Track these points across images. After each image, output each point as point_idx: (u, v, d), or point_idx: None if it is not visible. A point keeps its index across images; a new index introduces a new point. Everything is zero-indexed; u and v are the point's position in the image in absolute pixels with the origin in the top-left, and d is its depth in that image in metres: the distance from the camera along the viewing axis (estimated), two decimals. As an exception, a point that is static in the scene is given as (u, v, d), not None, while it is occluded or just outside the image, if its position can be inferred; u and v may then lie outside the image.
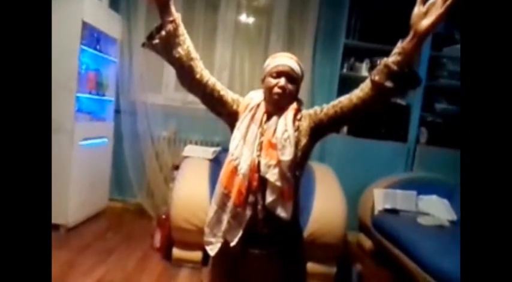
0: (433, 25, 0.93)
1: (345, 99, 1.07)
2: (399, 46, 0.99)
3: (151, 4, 1.01)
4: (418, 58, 3.02)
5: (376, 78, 1.00)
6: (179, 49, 1.03)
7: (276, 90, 1.08)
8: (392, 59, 0.98)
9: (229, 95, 1.13)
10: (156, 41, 1.01)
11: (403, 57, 0.97)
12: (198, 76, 1.07)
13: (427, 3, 0.95)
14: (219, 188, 1.11)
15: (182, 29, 1.03)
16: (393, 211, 2.64)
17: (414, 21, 0.95)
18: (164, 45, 1.02)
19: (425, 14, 0.94)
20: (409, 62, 0.98)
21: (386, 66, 0.98)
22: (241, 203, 1.06)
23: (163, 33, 1.01)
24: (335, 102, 1.09)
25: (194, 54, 1.07)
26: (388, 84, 0.98)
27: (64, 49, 2.45)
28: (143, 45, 1.05)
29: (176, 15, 1.02)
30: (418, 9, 0.95)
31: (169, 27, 1.00)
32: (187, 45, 1.04)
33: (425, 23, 0.94)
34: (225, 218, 1.08)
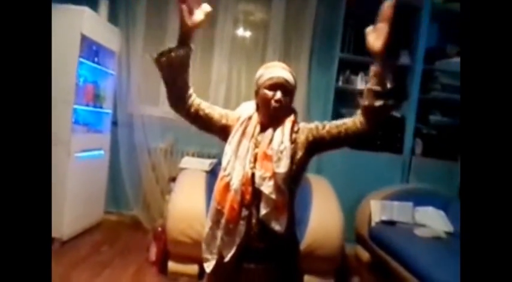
0: (385, 45, 1.02)
1: (349, 122, 1.10)
2: (372, 69, 1.06)
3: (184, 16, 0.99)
4: (409, 71, 3.09)
5: (366, 103, 1.06)
6: (179, 76, 1.07)
7: (274, 104, 1.09)
8: (372, 82, 1.06)
9: (215, 112, 1.16)
10: (164, 59, 1.04)
11: (379, 78, 1.05)
12: (186, 99, 1.11)
13: (374, 29, 1.04)
14: (213, 204, 1.12)
15: (189, 60, 1.07)
16: (390, 223, 2.64)
17: (370, 47, 1.04)
18: (169, 66, 1.05)
19: (376, 38, 1.03)
20: (386, 79, 1.05)
21: (369, 90, 1.06)
22: (234, 218, 1.06)
23: (173, 54, 1.03)
24: (338, 122, 1.12)
25: (189, 84, 1.11)
26: (378, 103, 1.04)
27: (62, 62, 2.47)
28: (153, 58, 1.05)
29: (192, 46, 1.06)
30: (369, 37, 1.05)
31: (182, 52, 1.04)
32: (187, 74, 1.08)
33: (378, 45, 1.03)
34: (219, 234, 1.08)
